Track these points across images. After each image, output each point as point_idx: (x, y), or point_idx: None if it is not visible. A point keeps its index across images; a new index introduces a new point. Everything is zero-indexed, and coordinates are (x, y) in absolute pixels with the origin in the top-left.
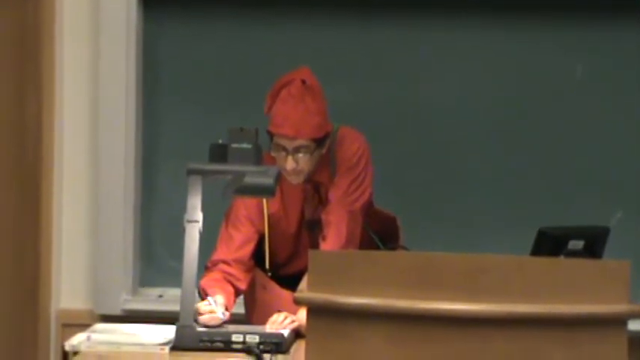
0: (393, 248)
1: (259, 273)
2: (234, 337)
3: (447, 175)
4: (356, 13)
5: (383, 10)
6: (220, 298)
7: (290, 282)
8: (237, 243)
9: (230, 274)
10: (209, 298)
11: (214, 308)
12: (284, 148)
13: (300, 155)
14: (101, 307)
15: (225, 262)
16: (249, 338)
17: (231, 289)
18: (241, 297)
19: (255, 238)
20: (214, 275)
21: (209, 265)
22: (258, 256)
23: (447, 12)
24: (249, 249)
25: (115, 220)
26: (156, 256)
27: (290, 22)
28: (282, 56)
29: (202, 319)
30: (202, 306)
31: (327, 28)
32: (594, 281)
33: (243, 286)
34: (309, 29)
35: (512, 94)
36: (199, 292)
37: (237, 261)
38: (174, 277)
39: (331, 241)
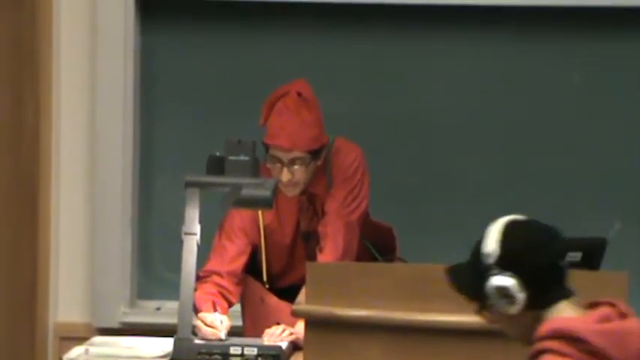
0: (390, 260)
1: (257, 285)
2: (232, 350)
3: (444, 184)
4: (354, 24)
5: (380, 21)
6: (226, 321)
7: (285, 294)
8: (231, 255)
9: (223, 287)
10: (217, 314)
11: (220, 327)
12: (279, 160)
13: (296, 167)
14: (99, 320)
15: (217, 273)
16: (247, 351)
17: (226, 305)
18: (239, 309)
19: (248, 250)
20: (209, 288)
21: (201, 274)
22: (254, 268)
23: (444, 22)
24: (241, 261)
25: (113, 233)
26: (153, 269)
27: (287, 33)
28: (279, 67)
29: (205, 330)
30: (209, 316)
31: (323, 39)
32: (592, 293)
33: (234, 299)
34: (306, 41)
35: (509, 102)
36: (194, 307)
37: (230, 273)
38: (172, 290)
39: (328, 253)
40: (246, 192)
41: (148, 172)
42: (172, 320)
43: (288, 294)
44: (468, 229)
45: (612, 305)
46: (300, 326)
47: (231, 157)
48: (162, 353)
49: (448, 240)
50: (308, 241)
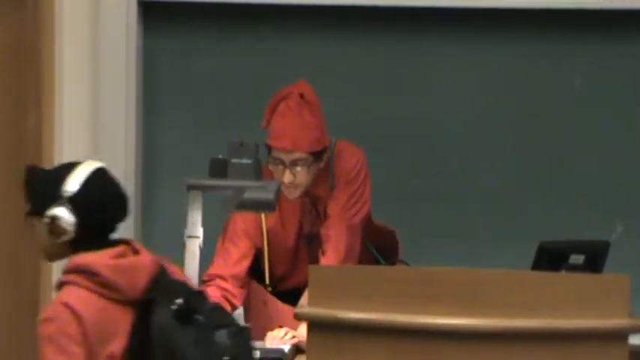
0: (393, 263)
1: (259, 288)
2: None
3: (447, 188)
4: (355, 26)
5: (381, 22)
6: None
7: (288, 297)
8: (234, 258)
9: (226, 291)
10: None
11: None
12: (281, 162)
13: (298, 169)
14: None
15: (221, 277)
16: None
17: (229, 309)
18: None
19: (251, 253)
20: (213, 292)
21: (205, 278)
22: (257, 271)
23: (446, 24)
24: (245, 264)
25: (114, 235)
26: None
27: (289, 35)
28: (281, 69)
29: None
30: None
31: (325, 41)
32: (594, 296)
33: (238, 302)
34: (308, 43)
35: (511, 106)
36: None
37: (234, 277)
38: None
39: (331, 256)
40: (248, 195)
41: (151, 175)
42: None
43: (291, 297)
44: (471, 231)
45: (128, 243)
46: (302, 329)
47: (234, 160)
48: None
49: (452, 243)
50: (311, 244)
